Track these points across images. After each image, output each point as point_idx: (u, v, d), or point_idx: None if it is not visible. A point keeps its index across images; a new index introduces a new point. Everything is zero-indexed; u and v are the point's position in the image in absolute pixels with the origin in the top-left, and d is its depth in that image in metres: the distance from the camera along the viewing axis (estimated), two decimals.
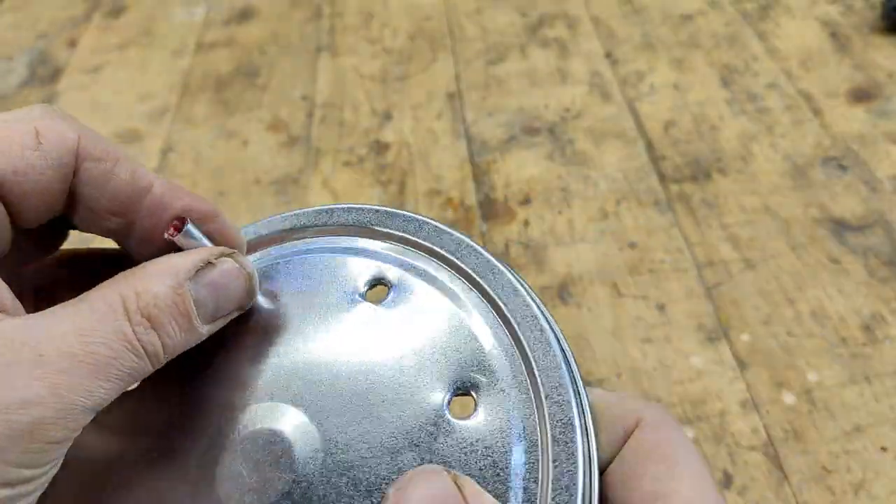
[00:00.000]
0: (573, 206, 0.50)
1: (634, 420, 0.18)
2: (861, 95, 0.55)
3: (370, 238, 0.21)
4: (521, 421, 0.17)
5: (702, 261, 0.45)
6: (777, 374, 0.39)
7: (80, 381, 0.15)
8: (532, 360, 0.17)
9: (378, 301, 0.20)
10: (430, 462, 0.17)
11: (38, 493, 0.16)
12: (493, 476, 0.16)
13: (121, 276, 0.17)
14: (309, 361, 0.19)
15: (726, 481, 0.35)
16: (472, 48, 0.65)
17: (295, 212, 0.22)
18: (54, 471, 0.16)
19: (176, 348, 0.17)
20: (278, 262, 0.21)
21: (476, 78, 0.62)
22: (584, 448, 0.16)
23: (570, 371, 0.17)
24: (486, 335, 0.18)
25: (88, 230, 0.19)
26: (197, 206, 0.19)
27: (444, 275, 0.20)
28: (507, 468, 0.16)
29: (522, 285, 0.19)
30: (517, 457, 0.16)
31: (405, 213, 0.21)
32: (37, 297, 0.20)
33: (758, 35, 0.62)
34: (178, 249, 0.19)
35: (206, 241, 0.19)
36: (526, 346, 0.18)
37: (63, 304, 0.16)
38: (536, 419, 0.17)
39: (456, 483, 0.15)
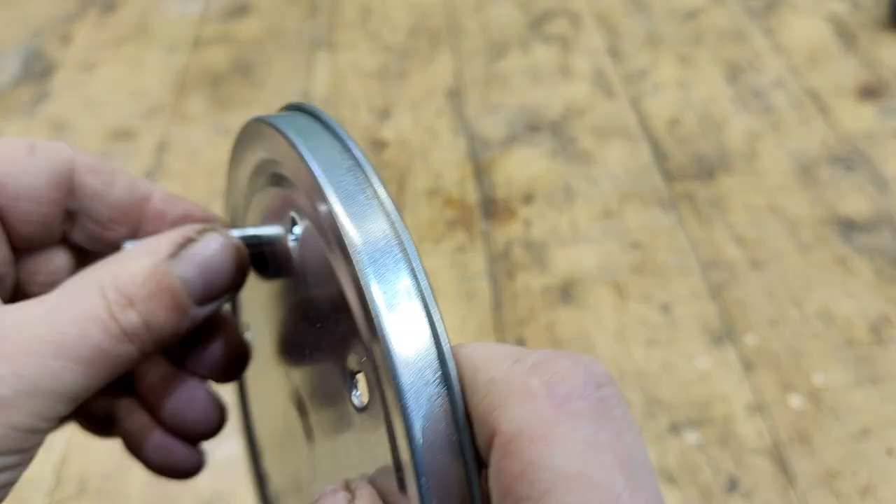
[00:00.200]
0: (576, 205, 0.49)
1: (490, 432, 0.13)
2: (868, 93, 0.55)
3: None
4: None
5: (706, 261, 0.45)
6: (783, 377, 0.38)
7: (43, 360, 0.15)
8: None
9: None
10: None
11: (5, 491, 0.15)
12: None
13: (99, 262, 0.17)
14: None
15: (731, 485, 0.35)
16: (472, 44, 0.64)
17: None
18: (23, 468, 0.15)
19: (165, 329, 0.16)
20: None
21: (477, 75, 0.61)
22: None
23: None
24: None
25: (93, 248, 0.19)
26: (195, 213, 0.19)
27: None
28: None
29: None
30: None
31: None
32: None
33: (763, 32, 0.62)
34: None
35: None
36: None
37: (41, 295, 0.16)
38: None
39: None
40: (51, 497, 0.36)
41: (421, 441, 0.13)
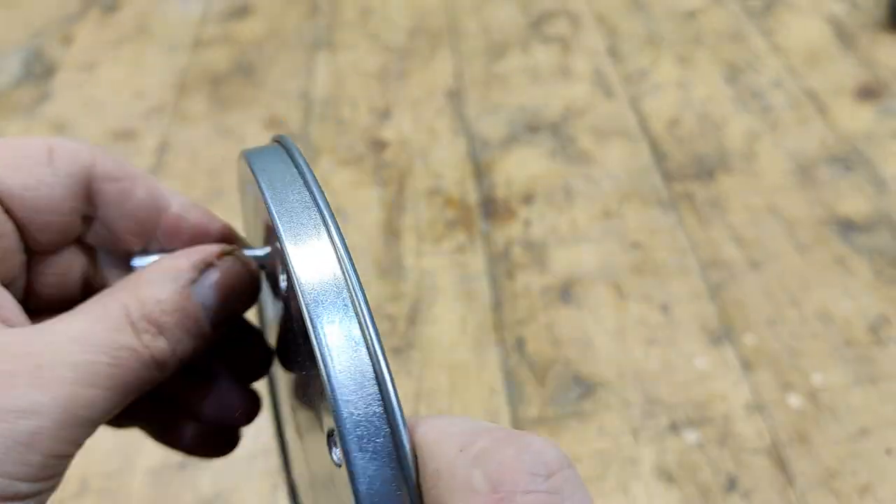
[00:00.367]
0: (575, 205, 0.49)
1: None
2: (867, 93, 0.55)
3: None
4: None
5: (706, 261, 0.45)
6: (782, 376, 0.38)
7: (80, 391, 0.15)
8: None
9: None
10: None
11: None
12: None
13: (120, 285, 0.17)
14: None
15: (730, 484, 0.35)
16: (472, 44, 0.65)
17: None
18: (51, 492, 0.15)
19: (186, 353, 0.17)
20: None
21: (477, 75, 0.61)
22: None
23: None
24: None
25: (103, 247, 0.19)
26: (212, 225, 0.19)
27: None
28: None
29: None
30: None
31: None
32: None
33: (762, 32, 0.62)
34: None
35: None
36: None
37: (63, 315, 0.16)
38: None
39: None
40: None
41: None
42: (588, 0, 0.68)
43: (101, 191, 0.18)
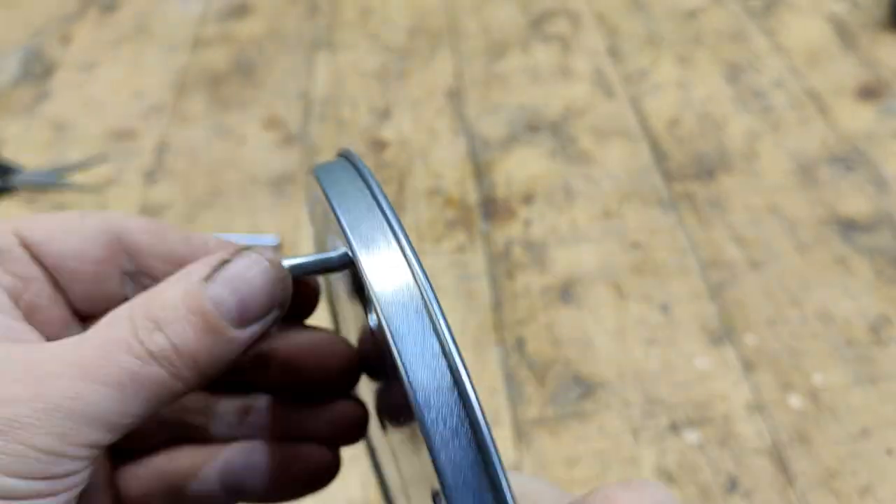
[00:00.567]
0: (576, 205, 0.49)
1: None
2: (868, 93, 0.55)
3: None
4: None
5: (706, 261, 0.45)
6: (782, 376, 0.38)
7: (64, 382, 0.15)
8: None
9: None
10: None
11: None
12: None
13: (135, 297, 0.17)
14: None
15: (731, 485, 0.35)
16: (472, 44, 0.65)
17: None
18: (55, 500, 0.15)
19: (199, 351, 0.16)
20: None
21: (477, 75, 0.61)
22: None
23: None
24: None
25: None
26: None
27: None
28: None
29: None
30: None
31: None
32: None
33: (763, 32, 0.62)
34: None
35: None
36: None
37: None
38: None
39: None
40: None
41: None
42: (588, 0, 0.68)
43: (136, 241, 0.19)
